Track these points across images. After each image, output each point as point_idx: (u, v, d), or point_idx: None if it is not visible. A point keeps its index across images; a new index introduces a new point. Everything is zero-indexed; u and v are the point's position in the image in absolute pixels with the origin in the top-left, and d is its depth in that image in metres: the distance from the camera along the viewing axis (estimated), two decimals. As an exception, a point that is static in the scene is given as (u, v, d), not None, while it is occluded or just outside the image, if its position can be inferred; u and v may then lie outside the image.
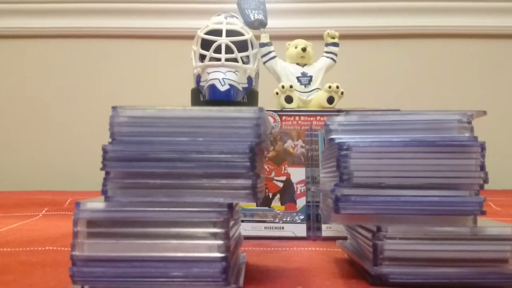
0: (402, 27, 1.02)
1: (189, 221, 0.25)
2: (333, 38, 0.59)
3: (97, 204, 0.25)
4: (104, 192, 0.26)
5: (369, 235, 0.28)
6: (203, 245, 0.25)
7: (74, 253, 0.25)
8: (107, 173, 0.26)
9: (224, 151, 0.26)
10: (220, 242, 0.25)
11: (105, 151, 0.26)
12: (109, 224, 0.25)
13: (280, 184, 0.48)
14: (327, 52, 0.59)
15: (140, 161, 0.26)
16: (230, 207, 0.26)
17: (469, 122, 0.28)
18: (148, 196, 0.26)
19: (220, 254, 0.25)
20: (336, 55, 0.59)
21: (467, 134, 0.28)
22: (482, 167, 0.28)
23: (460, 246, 0.27)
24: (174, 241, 0.25)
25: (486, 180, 0.28)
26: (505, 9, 1.01)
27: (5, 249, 0.38)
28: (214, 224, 0.25)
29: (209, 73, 0.50)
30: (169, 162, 0.26)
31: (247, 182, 0.26)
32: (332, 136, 0.29)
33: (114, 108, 0.26)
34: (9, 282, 0.29)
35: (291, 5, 1.04)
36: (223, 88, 0.49)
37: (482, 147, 0.28)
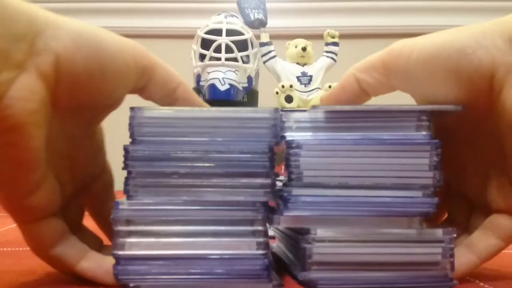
0: (402, 27, 1.02)
1: (227, 219, 0.26)
2: (333, 37, 0.59)
3: (136, 202, 0.26)
4: (126, 191, 0.26)
5: (297, 237, 0.27)
6: (243, 243, 0.26)
7: (116, 252, 0.25)
8: (129, 173, 0.26)
9: (244, 151, 0.26)
10: (259, 239, 0.26)
11: (126, 151, 0.26)
12: (149, 222, 0.26)
13: (280, 184, 0.48)
14: (327, 52, 0.59)
15: (162, 161, 0.26)
16: (266, 205, 0.26)
17: (429, 120, 0.27)
18: (170, 195, 0.26)
19: (261, 251, 0.26)
20: (336, 54, 0.59)
21: (424, 133, 0.27)
22: (436, 167, 0.27)
23: (390, 249, 0.26)
24: (214, 239, 0.26)
25: (440, 181, 0.27)
26: (505, 9, 1.01)
27: (5, 249, 0.38)
28: (252, 222, 0.26)
29: (209, 73, 0.50)
30: (190, 162, 0.26)
31: (267, 181, 0.26)
32: (284, 134, 0.28)
33: (132, 109, 0.27)
34: (10, 282, 0.29)
35: (291, 4, 1.04)
36: (223, 87, 0.49)
37: (436, 146, 0.27)
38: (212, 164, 0.26)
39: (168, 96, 0.30)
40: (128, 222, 0.26)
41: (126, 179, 0.26)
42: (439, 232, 0.27)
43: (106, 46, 0.26)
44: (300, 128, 0.28)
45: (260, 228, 0.26)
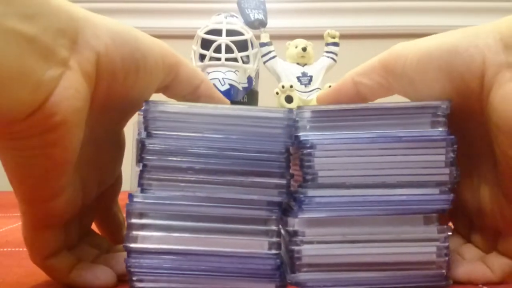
0: (402, 27, 1.02)
1: (240, 217, 0.26)
2: (334, 37, 0.59)
3: (151, 196, 0.26)
4: (140, 184, 0.26)
5: (288, 238, 0.27)
6: (256, 242, 0.26)
7: (128, 244, 0.25)
8: (144, 166, 0.26)
9: (260, 150, 0.26)
10: (272, 239, 0.26)
11: (142, 144, 0.26)
12: (162, 216, 0.26)
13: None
14: (327, 52, 0.59)
15: (178, 156, 0.26)
16: (281, 205, 0.26)
17: (444, 116, 0.27)
18: (184, 190, 0.26)
19: (273, 251, 0.25)
20: (336, 54, 0.59)
21: (440, 129, 0.27)
22: (452, 163, 0.26)
23: (382, 249, 0.26)
24: (227, 237, 0.26)
25: (456, 177, 0.26)
26: (505, 9, 1.01)
27: (5, 249, 0.38)
28: (266, 222, 0.26)
29: (209, 73, 0.50)
30: (206, 158, 0.26)
31: (282, 181, 0.26)
32: (298, 134, 0.27)
33: (146, 102, 0.26)
34: (10, 283, 0.29)
35: (291, 4, 1.04)
36: (223, 87, 0.49)
37: (452, 142, 0.26)
38: (227, 162, 0.26)
39: (192, 93, 0.30)
40: (142, 215, 0.26)
41: (141, 172, 0.26)
42: (433, 231, 0.26)
43: (140, 45, 0.26)
44: (313, 128, 0.27)
45: (273, 228, 0.26)
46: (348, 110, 0.27)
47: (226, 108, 0.27)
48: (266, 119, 0.27)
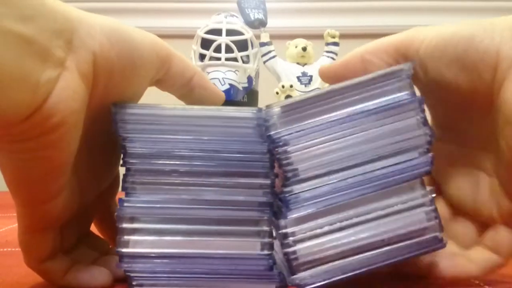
0: (402, 26, 1.02)
1: (232, 219, 0.26)
2: (334, 37, 0.59)
3: (141, 200, 0.26)
4: (124, 188, 0.26)
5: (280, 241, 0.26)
6: (248, 243, 0.26)
7: (120, 249, 0.25)
8: (127, 170, 0.26)
9: (242, 151, 0.26)
10: (264, 240, 0.26)
11: (123, 147, 0.26)
12: (154, 220, 0.26)
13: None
14: (327, 52, 0.59)
15: (160, 158, 0.26)
16: (271, 206, 0.26)
17: (408, 77, 0.26)
18: (169, 193, 0.26)
19: (266, 252, 0.25)
20: (336, 54, 0.59)
21: (406, 92, 0.26)
22: (424, 123, 0.26)
23: (371, 229, 0.25)
24: (219, 239, 0.26)
25: (432, 135, 0.26)
26: (505, 9, 1.01)
27: (5, 249, 0.38)
28: (257, 223, 0.26)
29: (209, 73, 0.50)
30: (189, 160, 0.26)
31: (266, 181, 0.26)
32: (270, 133, 0.26)
33: (114, 105, 0.26)
34: (10, 283, 0.28)
35: (291, 4, 1.04)
36: (223, 87, 0.49)
37: (420, 101, 0.26)
38: (211, 163, 0.26)
39: (185, 85, 0.30)
40: (132, 219, 0.26)
41: (125, 176, 0.26)
42: (418, 196, 0.26)
43: (134, 41, 0.26)
44: (284, 123, 0.26)
45: (265, 228, 0.26)
46: (315, 96, 0.27)
47: (196, 109, 0.27)
48: (236, 119, 0.26)
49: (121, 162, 0.27)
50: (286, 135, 0.26)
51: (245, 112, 0.27)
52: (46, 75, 0.21)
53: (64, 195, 0.25)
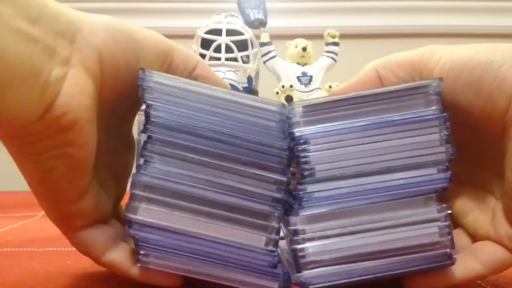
0: (402, 26, 1.02)
1: (242, 208, 0.25)
2: (334, 37, 0.59)
3: (160, 171, 0.25)
4: (142, 155, 0.25)
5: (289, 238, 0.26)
6: (254, 235, 0.25)
7: (128, 214, 0.25)
8: (148, 137, 0.25)
9: (262, 143, 0.26)
10: (271, 236, 0.25)
11: (147, 114, 0.25)
12: (167, 193, 0.25)
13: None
14: (327, 52, 0.59)
15: (182, 133, 0.25)
16: (284, 203, 0.26)
17: (436, 94, 0.26)
18: (185, 169, 0.25)
19: (270, 248, 0.25)
20: (336, 54, 0.59)
21: (433, 107, 0.26)
22: (447, 141, 0.26)
23: (383, 237, 0.25)
24: (226, 225, 0.25)
25: (453, 154, 0.26)
26: (505, 9, 1.01)
27: (5, 249, 0.38)
28: (267, 217, 0.26)
29: (209, 73, 0.50)
30: (210, 140, 0.25)
31: (282, 178, 0.26)
32: (293, 130, 0.26)
33: (142, 70, 0.26)
34: (10, 283, 0.29)
35: (291, 4, 1.04)
36: (223, 87, 0.49)
37: (445, 119, 0.26)
38: (230, 148, 0.26)
39: (188, 76, 0.30)
40: (146, 188, 0.25)
41: (145, 143, 0.25)
42: (433, 211, 0.26)
43: (136, 36, 0.26)
44: (307, 123, 0.27)
45: (274, 224, 0.26)
46: (340, 100, 0.27)
47: (221, 90, 0.27)
48: (259, 109, 0.26)
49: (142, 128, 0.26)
50: (308, 134, 0.26)
51: (270, 104, 0.27)
52: (54, 73, 0.22)
53: (92, 192, 0.25)
